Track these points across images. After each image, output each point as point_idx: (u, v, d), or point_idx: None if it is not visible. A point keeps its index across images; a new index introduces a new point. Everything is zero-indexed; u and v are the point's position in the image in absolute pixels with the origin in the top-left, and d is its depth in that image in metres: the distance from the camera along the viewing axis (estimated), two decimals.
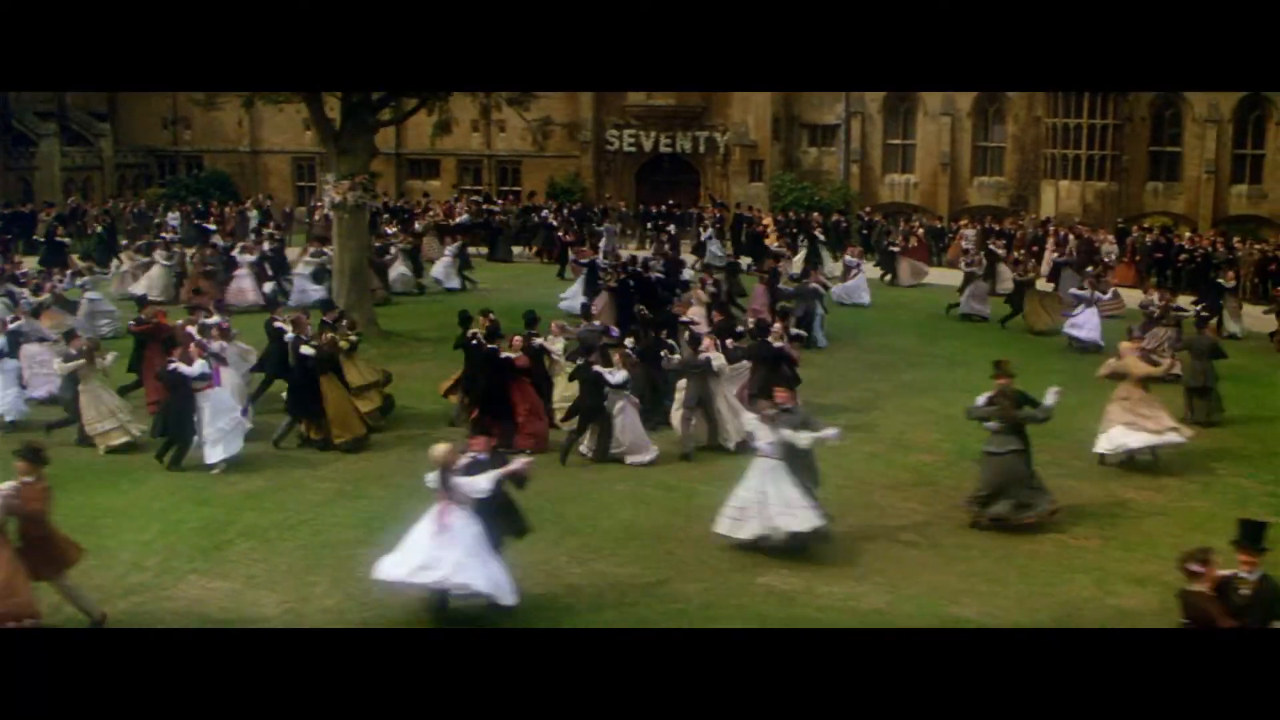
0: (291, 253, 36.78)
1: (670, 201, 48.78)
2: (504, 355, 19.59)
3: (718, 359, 19.62)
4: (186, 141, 56.82)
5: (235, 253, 33.73)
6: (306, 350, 19.36)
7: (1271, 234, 46.83)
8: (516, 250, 44.60)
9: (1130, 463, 19.09)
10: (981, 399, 16.31)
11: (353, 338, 20.84)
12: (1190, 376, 22.09)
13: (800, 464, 15.09)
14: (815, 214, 45.37)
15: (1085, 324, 28.79)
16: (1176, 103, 49.58)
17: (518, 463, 13.01)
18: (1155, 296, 27.62)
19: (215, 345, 19.67)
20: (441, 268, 36.81)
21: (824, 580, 14.42)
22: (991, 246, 38.15)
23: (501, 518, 13.19)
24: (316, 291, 30.71)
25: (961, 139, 51.04)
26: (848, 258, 36.86)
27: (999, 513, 15.92)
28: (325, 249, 32.59)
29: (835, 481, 18.11)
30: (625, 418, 18.87)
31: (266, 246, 35.26)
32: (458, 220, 44.48)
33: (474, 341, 20.10)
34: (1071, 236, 41.34)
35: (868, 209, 48.46)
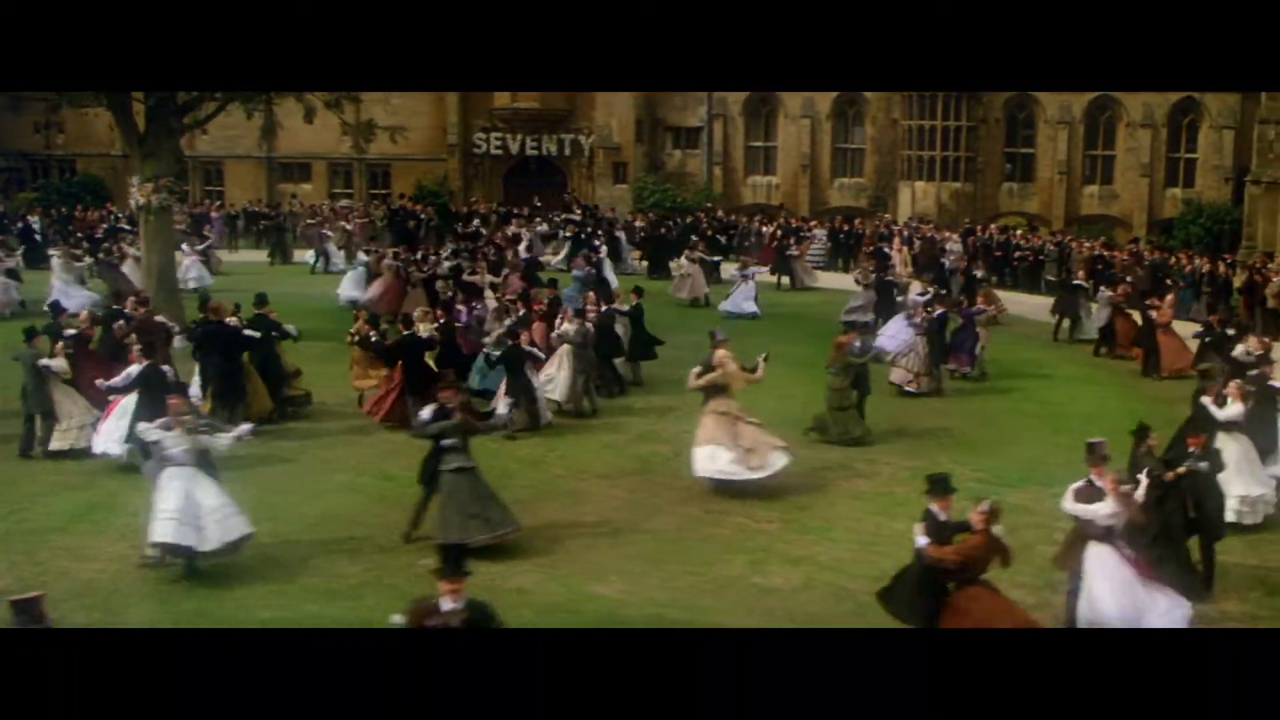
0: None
1: (538, 203, 49.38)
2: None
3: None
4: (59, 145, 56.60)
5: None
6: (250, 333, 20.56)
7: (1123, 233, 48.03)
8: None
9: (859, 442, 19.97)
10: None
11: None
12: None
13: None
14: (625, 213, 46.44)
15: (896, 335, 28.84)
16: (1029, 104, 50.65)
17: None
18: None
19: None
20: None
21: (483, 559, 14.88)
22: (790, 248, 39.13)
23: None
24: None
25: (821, 141, 51.86)
26: (734, 270, 35.69)
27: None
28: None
29: (554, 471, 18.80)
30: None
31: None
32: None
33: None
34: (916, 239, 42.23)
35: (715, 209, 48.84)
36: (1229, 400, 16.56)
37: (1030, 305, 35.55)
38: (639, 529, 16.28)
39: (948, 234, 43.39)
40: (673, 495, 17.52)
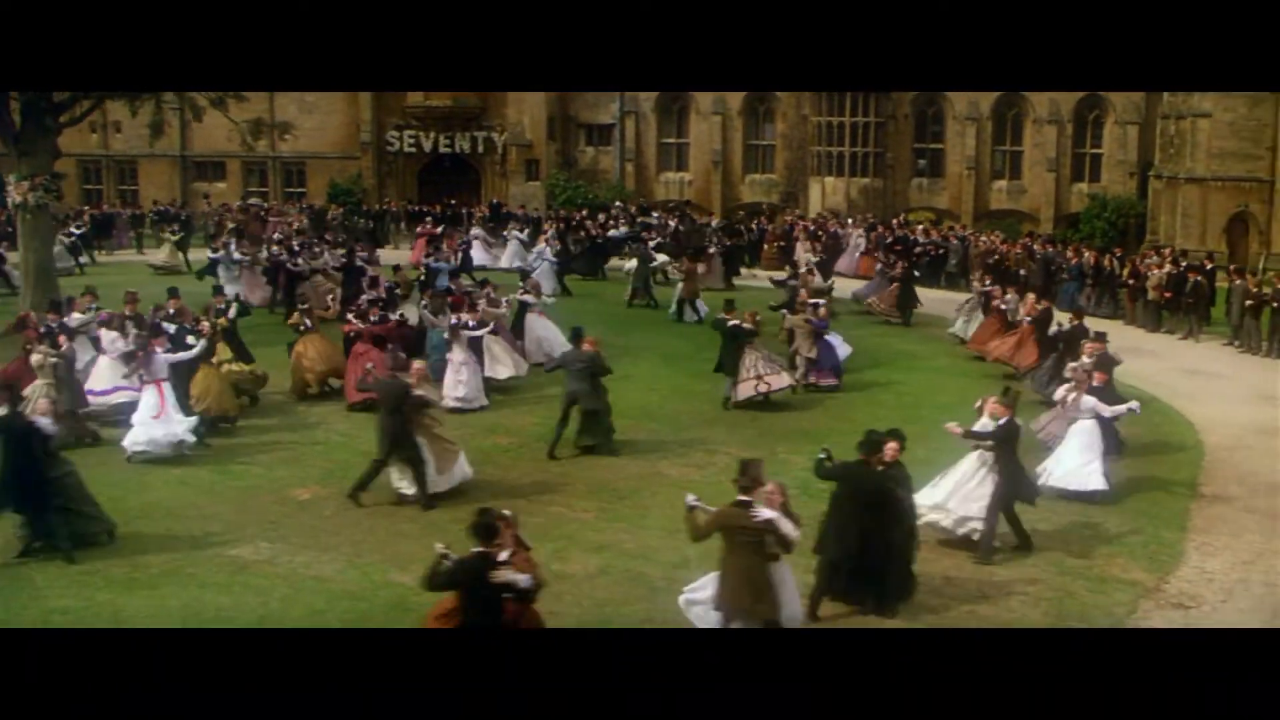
0: None
1: (453, 200, 49.54)
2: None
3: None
4: None
5: None
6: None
7: (1031, 228, 48.53)
8: None
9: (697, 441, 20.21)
10: None
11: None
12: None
13: None
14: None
15: None
16: (938, 101, 51.18)
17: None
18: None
19: None
20: None
21: (293, 550, 15.11)
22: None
23: None
24: None
25: (733, 137, 52.24)
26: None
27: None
28: None
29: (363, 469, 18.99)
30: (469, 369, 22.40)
31: None
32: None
33: None
34: (822, 233, 42.61)
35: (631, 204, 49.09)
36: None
37: (928, 299, 35.84)
38: (455, 520, 16.34)
39: (853, 229, 43.81)
40: (504, 486, 17.69)
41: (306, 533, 15.79)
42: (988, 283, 29.98)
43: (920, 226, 43.89)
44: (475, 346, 22.87)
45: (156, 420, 18.62)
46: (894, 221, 44.65)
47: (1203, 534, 16.45)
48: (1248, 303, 30.02)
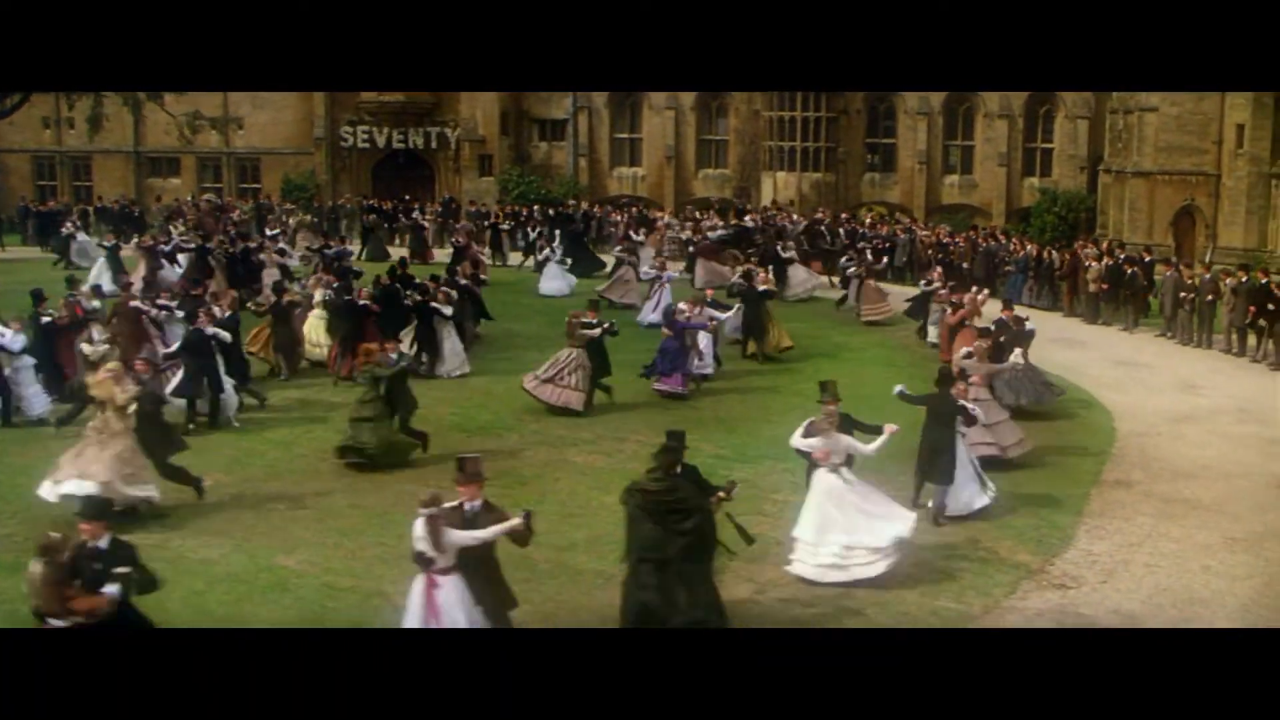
0: None
1: (407, 197, 49.46)
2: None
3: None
4: None
5: None
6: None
7: (983, 222, 48.72)
8: None
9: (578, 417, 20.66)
10: None
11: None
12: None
13: None
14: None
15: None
16: (889, 96, 51.30)
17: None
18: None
19: None
20: None
21: (185, 535, 15.13)
22: (632, 235, 39.36)
23: None
24: None
25: (686, 132, 52.34)
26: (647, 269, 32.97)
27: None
28: None
29: (298, 451, 19.03)
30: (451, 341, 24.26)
31: None
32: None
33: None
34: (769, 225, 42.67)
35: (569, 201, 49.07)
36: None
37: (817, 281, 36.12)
38: (353, 505, 16.52)
39: (801, 220, 43.89)
40: (403, 474, 17.71)
41: (201, 518, 15.81)
42: (934, 278, 29.88)
43: (868, 220, 44.03)
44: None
45: None
46: (842, 215, 44.73)
47: (1096, 518, 16.58)
48: (1180, 294, 30.20)
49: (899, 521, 14.04)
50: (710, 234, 39.84)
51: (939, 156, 51.48)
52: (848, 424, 14.81)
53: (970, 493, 16.27)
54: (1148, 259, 33.88)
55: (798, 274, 35.80)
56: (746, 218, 43.65)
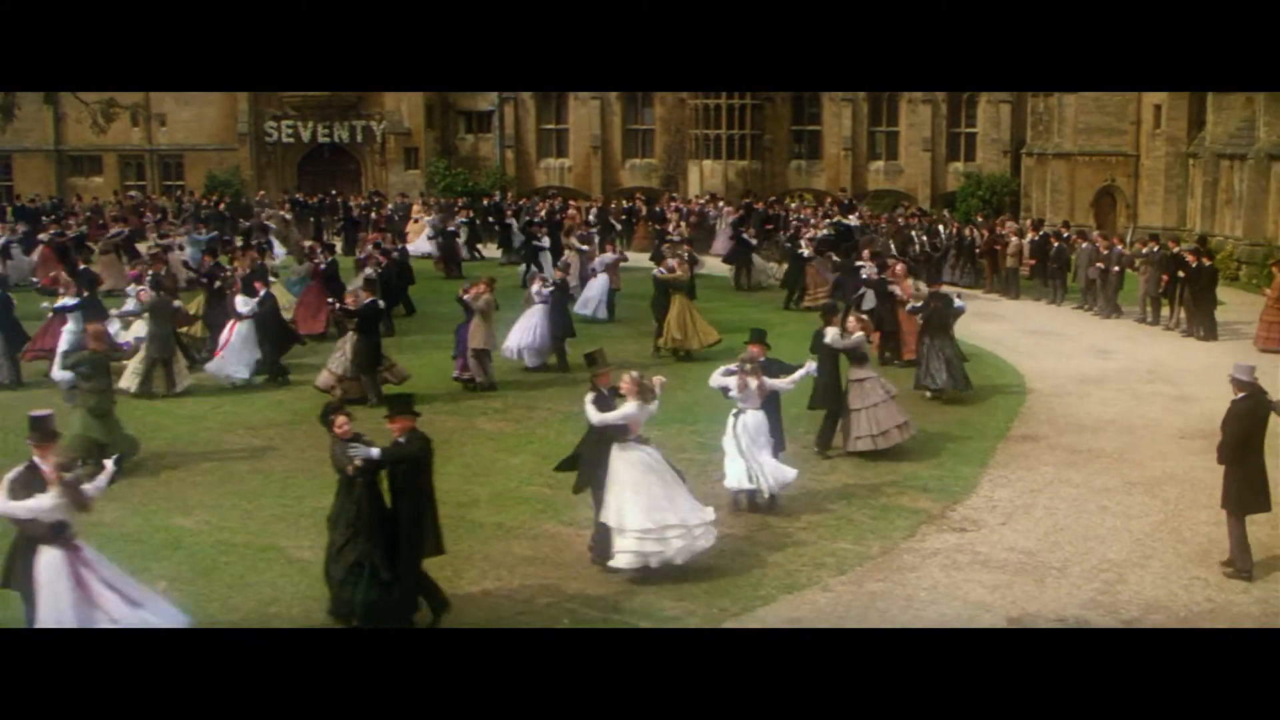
0: None
1: (334, 191, 49.11)
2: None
3: None
4: None
5: None
6: None
7: (911, 207, 48.97)
8: None
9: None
10: None
11: None
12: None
13: None
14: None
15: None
16: None
17: None
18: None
19: None
20: None
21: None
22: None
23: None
24: None
25: (612, 122, 52.31)
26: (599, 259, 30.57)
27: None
28: None
29: (205, 425, 18.87)
30: None
31: None
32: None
33: None
34: (692, 213, 42.76)
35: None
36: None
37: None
38: (255, 470, 16.41)
39: (728, 208, 44.01)
40: (305, 441, 17.54)
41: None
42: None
43: (794, 205, 44.21)
44: None
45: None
46: (769, 199, 44.90)
47: (1000, 469, 16.72)
48: (1097, 265, 30.55)
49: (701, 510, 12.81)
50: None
51: (864, 143, 51.76)
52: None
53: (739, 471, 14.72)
54: (1065, 234, 34.21)
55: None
56: (851, 216, 39.17)
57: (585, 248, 31.82)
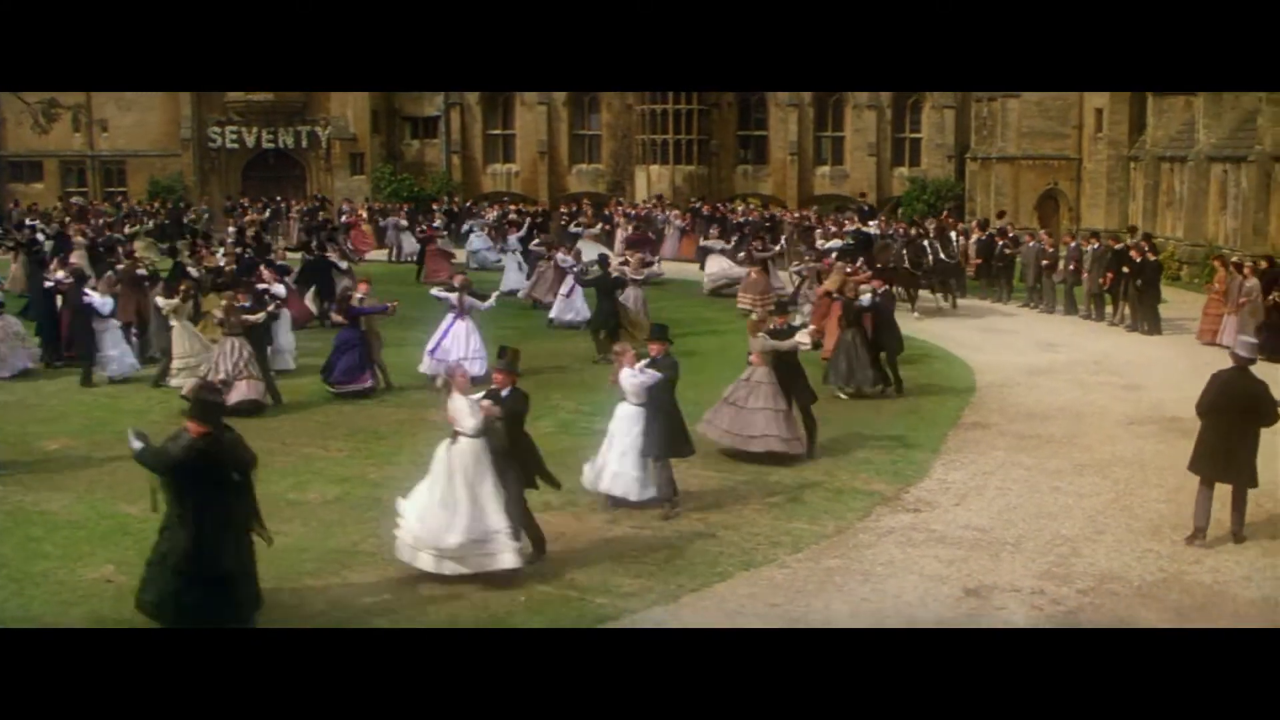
0: None
1: (278, 197, 48.70)
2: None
3: None
4: None
5: None
6: None
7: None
8: None
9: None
10: None
11: None
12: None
13: None
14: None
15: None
16: None
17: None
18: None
19: None
20: None
21: (24, 490, 14.76)
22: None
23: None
24: None
25: (559, 128, 52.28)
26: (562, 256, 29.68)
27: None
28: None
29: (151, 419, 18.62)
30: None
31: None
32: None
33: None
34: (638, 216, 42.83)
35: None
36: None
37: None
38: None
39: (675, 212, 44.15)
40: (262, 431, 17.34)
41: (42, 475, 15.39)
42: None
43: (740, 208, 44.34)
44: None
45: None
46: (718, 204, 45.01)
47: (953, 453, 16.78)
48: (1043, 263, 30.83)
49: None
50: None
51: (810, 148, 52.02)
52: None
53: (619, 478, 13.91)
54: (1011, 234, 34.52)
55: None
56: (872, 223, 36.83)
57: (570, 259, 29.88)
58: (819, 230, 34.48)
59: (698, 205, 45.00)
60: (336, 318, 21.13)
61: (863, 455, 16.55)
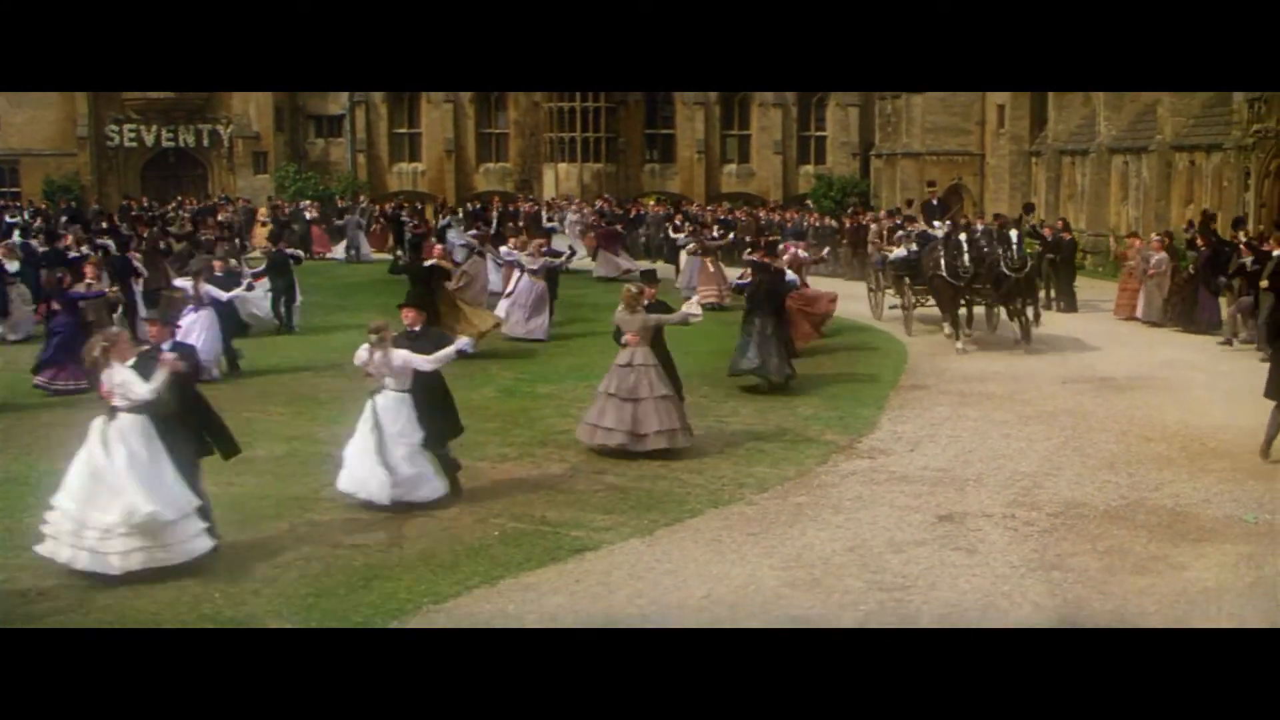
0: None
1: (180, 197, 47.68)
2: None
3: None
4: None
5: None
6: None
7: (762, 210, 49.48)
8: None
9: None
10: None
11: None
12: None
13: None
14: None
15: None
16: None
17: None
18: None
19: None
20: None
21: None
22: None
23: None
24: None
25: (466, 126, 52.03)
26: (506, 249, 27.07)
27: None
28: None
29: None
30: None
31: None
32: None
33: None
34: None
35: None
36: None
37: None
38: None
39: (586, 208, 44.05)
40: (230, 399, 17.00)
41: None
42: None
43: (653, 204, 44.45)
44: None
45: None
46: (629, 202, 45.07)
47: (898, 410, 16.91)
48: None
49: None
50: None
51: (717, 146, 52.33)
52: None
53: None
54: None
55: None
56: (936, 224, 36.21)
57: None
58: (873, 229, 32.05)
59: (602, 204, 44.91)
60: (55, 305, 19.63)
61: (809, 412, 16.62)
